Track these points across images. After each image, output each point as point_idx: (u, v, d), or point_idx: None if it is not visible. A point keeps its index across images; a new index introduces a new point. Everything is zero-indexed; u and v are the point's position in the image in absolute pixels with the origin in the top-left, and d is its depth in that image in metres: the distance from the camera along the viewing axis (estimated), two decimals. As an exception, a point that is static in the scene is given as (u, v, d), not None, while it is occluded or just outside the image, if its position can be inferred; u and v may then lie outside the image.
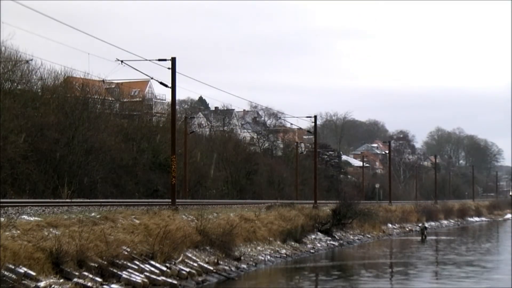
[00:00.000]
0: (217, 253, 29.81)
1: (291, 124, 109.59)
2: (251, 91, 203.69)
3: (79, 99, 53.79)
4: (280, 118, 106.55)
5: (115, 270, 21.92)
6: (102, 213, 27.44)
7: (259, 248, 35.30)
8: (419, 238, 57.10)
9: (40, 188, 43.73)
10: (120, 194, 49.48)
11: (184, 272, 24.81)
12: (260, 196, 70.21)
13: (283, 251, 37.18)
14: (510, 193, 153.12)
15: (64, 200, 34.66)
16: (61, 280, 19.78)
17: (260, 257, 33.44)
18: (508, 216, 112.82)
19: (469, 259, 38.86)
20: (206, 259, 28.43)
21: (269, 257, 34.24)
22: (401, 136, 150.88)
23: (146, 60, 36.02)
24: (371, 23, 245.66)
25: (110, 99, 65.95)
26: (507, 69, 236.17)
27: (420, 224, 65.77)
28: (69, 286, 19.69)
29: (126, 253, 23.51)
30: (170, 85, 37.15)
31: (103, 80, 52.60)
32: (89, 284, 20.05)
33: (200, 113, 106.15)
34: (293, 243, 39.91)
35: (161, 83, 37.93)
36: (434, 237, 58.57)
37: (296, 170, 75.76)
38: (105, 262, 21.94)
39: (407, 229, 66.91)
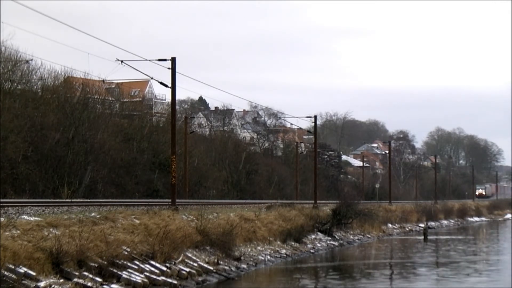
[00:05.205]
0: (217, 253, 29.79)
1: (291, 124, 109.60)
2: (251, 91, 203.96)
3: (79, 99, 53.82)
4: (280, 118, 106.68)
5: (115, 270, 21.92)
6: (102, 213, 27.44)
7: (259, 248, 35.28)
8: (419, 237, 57.10)
9: (40, 188, 43.74)
10: (120, 194, 49.50)
11: (184, 272, 24.80)
12: (260, 196, 70.24)
13: (283, 251, 37.15)
14: (477, 193, 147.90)
15: (64, 200, 34.66)
16: (61, 280, 19.78)
17: (260, 257, 33.42)
18: (508, 216, 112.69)
19: (469, 258, 38.86)
20: (206, 259, 28.41)
21: (269, 257, 34.22)
22: (401, 136, 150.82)
23: (146, 60, 36.04)
24: (371, 23, 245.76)
25: (110, 99, 65.96)
26: (507, 69, 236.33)
27: (422, 225, 65.92)
28: (69, 286, 19.68)
29: (126, 253, 23.50)
30: (170, 85, 37.15)
31: (103, 80, 52.60)
32: (89, 284, 20.04)
33: (200, 113, 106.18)
34: (293, 243, 39.88)
35: (161, 83, 37.96)
36: (434, 237, 58.55)
37: (296, 170, 75.75)
38: (105, 262, 21.93)
39: (407, 229, 66.90)
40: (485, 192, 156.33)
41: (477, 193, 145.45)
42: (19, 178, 42.93)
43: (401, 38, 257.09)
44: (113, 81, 61.14)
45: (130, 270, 22.46)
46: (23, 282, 18.35)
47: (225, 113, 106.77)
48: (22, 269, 18.70)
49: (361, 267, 35.23)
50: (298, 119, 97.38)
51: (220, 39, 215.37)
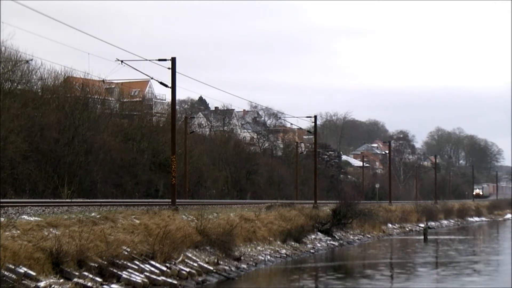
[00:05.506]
0: (217, 253, 29.80)
1: (291, 124, 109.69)
2: (251, 91, 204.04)
3: (79, 99, 53.85)
4: (280, 118, 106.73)
5: (115, 270, 21.92)
6: (102, 213, 27.44)
7: (259, 248, 35.28)
8: (419, 237, 57.10)
9: (40, 188, 43.76)
10: (120, 194, 49.51)
11: (184, 272, 24.80)
12: (260, 196, 70.26)
13: (283, 251, 37.15)
14: (474, 193, 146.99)
15: (64, 200, 34.68)
16: (61, 280, 19.78)
17: (260, 257, 33.42)
18: (508, 216, 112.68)
19: (469, 259, 38.86)
20: (206, 259, 28.42)
21: (269, 257, 34.22)
22: (401, 136, 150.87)
23: (146, 60, 36.04)
24: (371, 23, 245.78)
25: (110, 99, 65.99)
26: (507, 69, 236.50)
27: (422, 225, 65.99)
28: (69, 286, 19.68)
29: (126, 253, 23.50)
30: (170, 85, 37.16)
31: (103, 80, 52.61)
32: (89, 284, 20.04)
33: (200, 113, 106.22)
34: (293, 243, 39.88)
35: (161, 83, 37.96)
36: (434, 237, 58.56)
37: (296, 170, 75.75)
38: (105, 262, 21.93)
39: (407, 229, 66.90)
40: (482, 192, 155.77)
41: (474, 193, 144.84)
42: (19, 178, 42.94)
43: (401, 38, 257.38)
44: (113, 81, 61.17)
45: (130, 270, 22.46)
46: (23, 282, 18.35)
47: (225, 113, 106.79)
48: (22, 269, 18.70)
49: (361, 267, 35.23)
50: (298, 119, 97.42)
51: (220, 39, 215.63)
